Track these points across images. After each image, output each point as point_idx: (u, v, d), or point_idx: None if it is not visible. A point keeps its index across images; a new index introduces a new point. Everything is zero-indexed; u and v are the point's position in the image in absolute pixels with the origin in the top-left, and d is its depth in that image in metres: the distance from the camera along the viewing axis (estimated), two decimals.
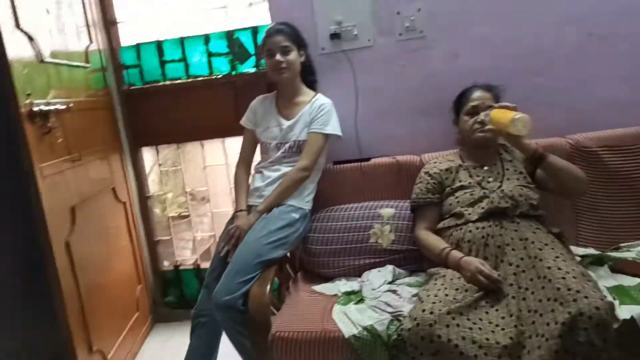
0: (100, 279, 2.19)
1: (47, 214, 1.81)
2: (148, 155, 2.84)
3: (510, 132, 1.63)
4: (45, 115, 1.85)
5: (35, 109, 1.81)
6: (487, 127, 1.77)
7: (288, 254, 2.06)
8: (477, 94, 1.91)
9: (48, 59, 1.96)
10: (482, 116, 1.82)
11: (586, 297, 1.34)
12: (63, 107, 1.97)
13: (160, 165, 2.86)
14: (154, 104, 2.64)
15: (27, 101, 1.78)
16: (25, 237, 1.95)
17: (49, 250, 1.82)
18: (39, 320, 2.07)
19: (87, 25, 2.38)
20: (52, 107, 1.89)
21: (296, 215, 1.97)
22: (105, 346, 2.13)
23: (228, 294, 1.74)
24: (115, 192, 2.45)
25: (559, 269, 1.46)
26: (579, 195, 1.87)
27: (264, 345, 1.62)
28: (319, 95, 2.11)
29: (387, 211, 2.01)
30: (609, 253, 1.86)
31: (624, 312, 1.47)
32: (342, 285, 1.89)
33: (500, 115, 1.68)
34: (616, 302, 1.50)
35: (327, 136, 2.03)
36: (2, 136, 1.85)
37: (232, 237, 1.91)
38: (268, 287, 1.74)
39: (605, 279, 1.68)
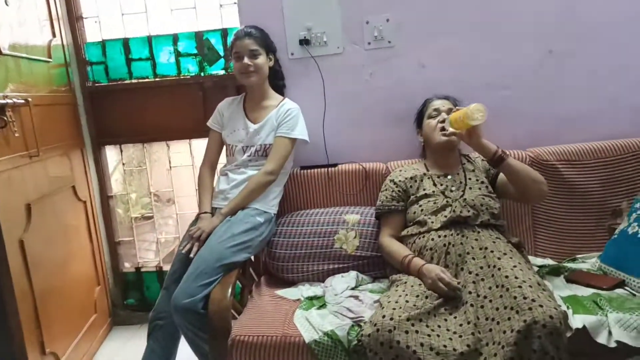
0: (56, 279, 2.12)
1: (1, 210, 1.75)
2: (112, 153, 2.78)
3: (470, 123, 1.65)
4: (1, 109, 1.79)
5: None
6: (448, 131, 1.81)
7: (252, 258, 2.04)
8: (437, 101, 1.98)
9: (6, 52, 1.90)
10: (444, 115, 1.88)
11: (541, 305, 1.37)
12: (21, 101, 1.90)
13: (124, 164, 2.80)
14: (119, 102, 2.58)
15: None
16: None
17: (1, 248, 1.76)
18: None
19: (51, 19, 2.31)
20: (9, 101, 1.82)
21: (261, 219, 1.96)
22: (60, 348, 2.06)
23: (188, 297, 1.71)
24: (75, 190, 2.38)
25: (516, 277, 1.50)
26: (539, 197, 1.89)
27: (223, 350, 1.60)
28: (287, 99, 2.11)
29: (352, 217, 2.02)
30: (565, 264, 1.92)
31: (577, 321, 1.51)
32: (305, 290, 1.88)
33: (457, 114, 1.72)
34: (570, 312, 1.54)
35: (294, 140, 2.03)
36: None
37: (192, 237, 1.88)
38: (229, 290, 1.72)
39: (561, 289, 1.73)
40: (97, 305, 2.52)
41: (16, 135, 1.87)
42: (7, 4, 1.95)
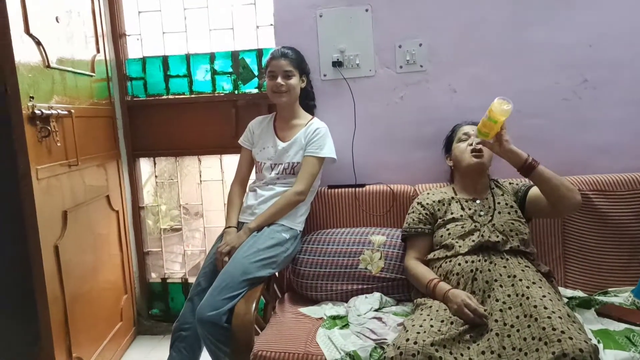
0: (86, 286, 2.18)
1: (39, 216, 1.82)
2: (145, 166, 2.86)
3: (498, 119, 1.61)
4: (46, 119, 1.88)
5: (37, 112, 1.83)
6: (477, 144, 1.82)
7: (276, 274, 2.06)
8: (467, 126, 1.98)
9: (54, 65, 1.99)
10: (473, 138, 1.88)
11: (570, 338, 1.34)
12: (65, 112, 1.99)
13: (156, 177, 2.87)
14: (155, 116, 2.67)
15: (30, 104, 1.81)
16: (15, 237, 1.95)
17: (38, 253, 1.82)
18: (18, 320, 2.06)
19: (96, 36, 2.42)
20: (53, 112, 1.91)
21: (286, 235, 1.97)
22: (85, 353, 2.10)
23: (212, 310, 1.73)
24: (109, 200, 2.46)
25: (545, 308, 1.46)
26: (573, 207, 1.76)
27: None
28: (315, 119, 2.14)
29: (378, 238, 2.02)
30: (596, 297, 1.86)
31: (608, 356, 1.47)
32: (329, 309, 1.88)
33: (482, 122, 1.67)
34: (600, 346, 1.50)
35: (322, 159, 2.06)
36: (2, 136, 1.86)
37: (221, 254, 1.91)
38: (253, 305, 1.73)
39: (591, 322, 1.68)
40: (123, 313, 2.57)
41: (58, 144, 1.95)
42: (57, 21, 2.06)
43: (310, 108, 2.21)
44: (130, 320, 2.67)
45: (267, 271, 1.88)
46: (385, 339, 1.59)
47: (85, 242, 2.21)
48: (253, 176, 2.23)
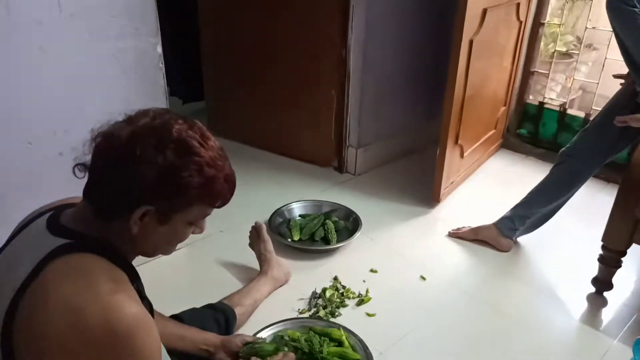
0: (478, 88, 2.34)
1: (468, 9, 1.95)
2: None
3: None
4: None
5: None
6: None
7: None
8: None
9: None
10: None
11: None
12: None
13: None
14: None
15: None
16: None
17: (457, 45, 2.01)
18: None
19: None
20: None
21: None
22: (465, 144, 2.37)
23: None
24: (518, 8, 2.43)
25: None
26: None
27: None
28: None
29: None
30: None
31: None
32: None
33: None
34: None
35: None
36: None
37: None
38: None
39: None
40: (498, 124, 2.73)
41: None
42: None
43: None
44: (500, 133, 2.83)
45: None
46: None
47: (489, 45, 2.31)
48: None
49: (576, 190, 1.89)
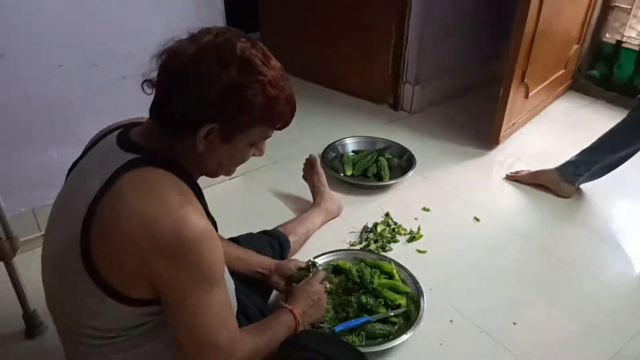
0: (552, 21, 2.16)
1: None
2: None
3: None
4: None
5: None
6: None
7: None
8: None
9: None
10: None
11: None
12: None
13: None
14: None
15: None
16: None
17: None
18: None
19: None
20: None
21: None
22: (531, 84, 2.23)
23: None
24: None
25: None
26: None
27: None
28: None
29: None
30: None
31: None
32: None
33: None
34: None
35: None
36: None
37: None
38: None
39: None
40: (569, 63, 2.55)
41: None
42: None
43: None
44: (570, 73, 2.65)
45: None
46: None
47: None
48: None
49: None
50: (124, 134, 0.88)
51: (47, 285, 0.92)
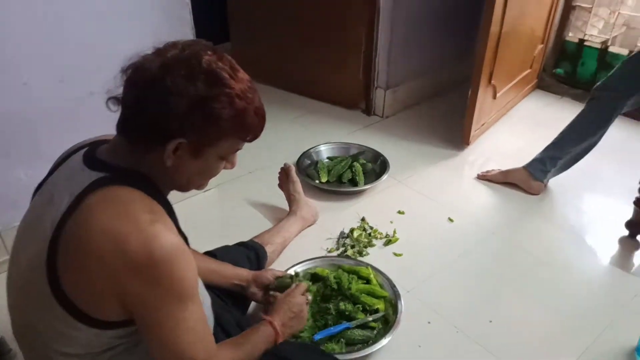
0: (515, 25, 2.21)
1: None
2: None
3: None
4: None
5: None
6: None
7: None
8: None
9: None
10: None
11: None
12: None
13: None
14: None
15: None
16: None
17: None
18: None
19: None
20: None
21: None
22: (498, 84, 2.27)
23: None
24: None
25: None
26: None
27: None
28: None
29: None
30: None
31: None
32: None
33: None
34: None
35: None
36: None
37: None
38: None
39: None
40: (533, 63, 2.61)
41: None
42: None
43: None
44: (535, 72, 2.71)
45: None
46: None
47: None
48: None
49: (608, 127, 1.82)
50: (91, 152, 0.87)
51: (13, 310, 0.90)
